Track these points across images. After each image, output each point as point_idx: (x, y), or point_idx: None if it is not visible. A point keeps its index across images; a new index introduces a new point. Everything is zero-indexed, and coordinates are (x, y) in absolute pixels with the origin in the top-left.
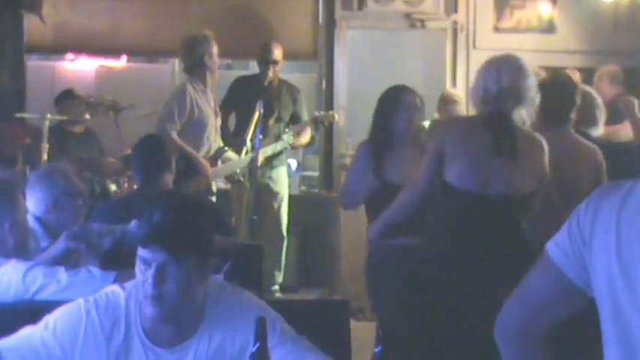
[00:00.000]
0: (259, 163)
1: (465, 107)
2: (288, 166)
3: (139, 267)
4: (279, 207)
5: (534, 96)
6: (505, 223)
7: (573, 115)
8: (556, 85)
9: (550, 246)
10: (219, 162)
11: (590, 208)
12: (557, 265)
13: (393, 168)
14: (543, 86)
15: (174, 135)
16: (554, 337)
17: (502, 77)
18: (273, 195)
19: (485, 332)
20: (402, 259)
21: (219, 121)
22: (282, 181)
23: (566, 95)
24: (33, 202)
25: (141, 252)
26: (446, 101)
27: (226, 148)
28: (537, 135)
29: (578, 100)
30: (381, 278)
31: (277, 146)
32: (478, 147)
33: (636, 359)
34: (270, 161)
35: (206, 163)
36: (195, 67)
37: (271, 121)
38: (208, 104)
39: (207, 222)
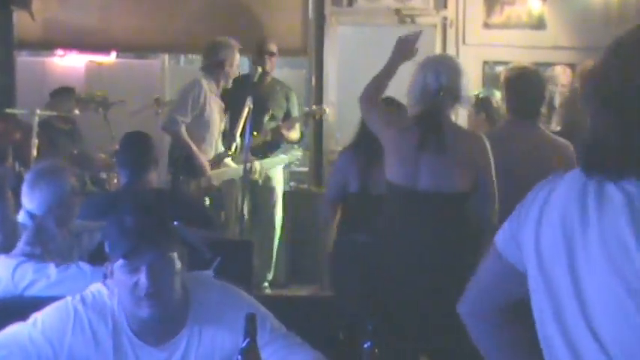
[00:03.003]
0: (257, 175)
1: None
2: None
3: (122, 274)
4: (275, 205)
5: (470, 95)
6: (437, 218)
7: (543, 110)
8: (524, 80)
9: (498, 232)
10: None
11: (529, 197)
12: (500, 249)
13: (373, 178)
14: (511, 81)
15: (183, 129)
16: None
17: (441, 75)
18: (269, 192)
19: (429, 324)
20: (362, 254)
21: (223, 126)
22: (278, 179)
23: (535, 90)
24: (37, 201)
25: (123, 262)
26: None
27: (228, 153)
28: (476, 133)
29: (547, 94)
30: (342, 272)
31: (286, 159)
32: (407, 143)
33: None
34: (266, 159)
35: (206, 164)
36: (214, 69)
37: (265, 119)
38: (218, 105)
39: (171, 212)
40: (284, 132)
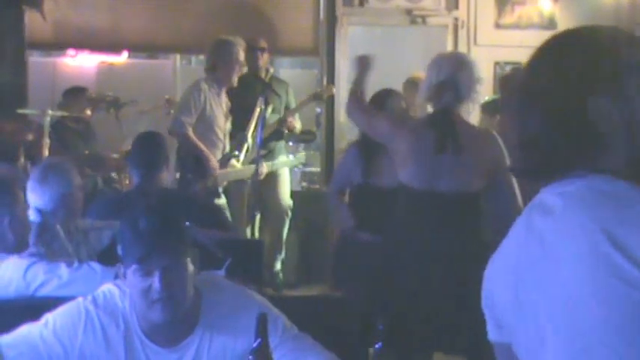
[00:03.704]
0: (262, 177)
1: None
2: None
3: (135, 278)
4: (278, 183)
5: (476, 90)
6: (456, 219)
7: None
8: (507, 81)
9: (488, 334)
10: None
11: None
12: (495, 341)
13: (377, 171)
14: (499, 83)
15: (190, 131)
16: None
17: (441, 71)
18: (273, 183)
19: (440, 325)
20: (366, 253)
21: (229, 125)
22: (280, 160)
23: None
24: (46, 196)
25: (137, 266)
26: (410, 85)
27: (236, 153)
28: (488, 131)
29: None
30: (346, 271)
31: (289, 162)
32: (424, 146)
33: None
34: (271, 154)
35: (216, 163)
36: (213, 69)
37: (268, 113)
38: (220, 106)
39: (184, 216)
40: (290, 119)
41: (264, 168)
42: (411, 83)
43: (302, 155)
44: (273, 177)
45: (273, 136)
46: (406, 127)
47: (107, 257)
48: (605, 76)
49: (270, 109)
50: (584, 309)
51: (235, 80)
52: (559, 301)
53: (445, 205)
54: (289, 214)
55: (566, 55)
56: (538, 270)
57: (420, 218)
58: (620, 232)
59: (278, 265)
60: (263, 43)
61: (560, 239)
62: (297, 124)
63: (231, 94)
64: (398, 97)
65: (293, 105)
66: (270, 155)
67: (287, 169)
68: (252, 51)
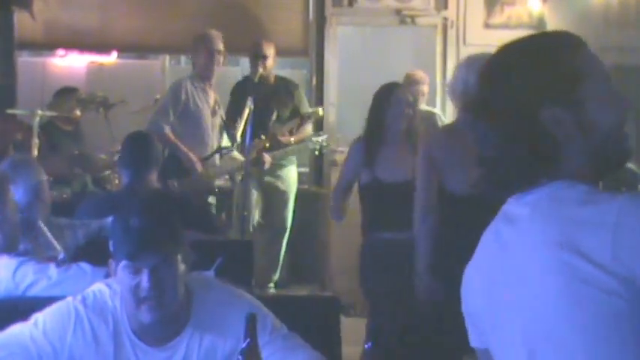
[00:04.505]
0: (267, 166)
1: (427, 87)
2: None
3: (125, 275)
4: (286, 206)
5: None
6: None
7: None
8: None
9: (469, 339)
10: (226, 159)
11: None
12: (478, 348)
13: (383, 164)
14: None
15: (168, 131)
16: None
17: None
18: (280, 194)
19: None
20: (394, 252)
21: (217, 120)
22: (290, 181)
23: None
24: (21, 189)
25: (126, 263)
26: (409, 82)
27: (233, 148)
28: None
29: None
30: (373, 269)
31: (303, 148)
32: (463, 150)
33: None
34: (279, 160)
35: (197, 161)
36: (198, 64)
37: (272, 121)
38: (206, 102)
39: (176, 215)
40: (281, 139)
41: (268, 158)
42: (409, 80)
43: (324, 139)
44: (280, 197)
45: (274, 148)
46: (440, 139)
47: (82, 254)
48: (554, 85)
49: (274, 116)
50: (557, 315)
51: (213, 69)
52: (531, 308)
53: (488, 204)
54: (285, 236)
55: (514, 68)
56: (508, 280)
57: (474, 219)
58: (580, 237)
59: (272, 284)
60: (266, 50)
61: (526, 250)
62: (301, 136)
63: (231, 98)
64: (403, 90)
65: (302, 107)
66: (278, 165)
67: (294, 189)
68: (254, 58)
